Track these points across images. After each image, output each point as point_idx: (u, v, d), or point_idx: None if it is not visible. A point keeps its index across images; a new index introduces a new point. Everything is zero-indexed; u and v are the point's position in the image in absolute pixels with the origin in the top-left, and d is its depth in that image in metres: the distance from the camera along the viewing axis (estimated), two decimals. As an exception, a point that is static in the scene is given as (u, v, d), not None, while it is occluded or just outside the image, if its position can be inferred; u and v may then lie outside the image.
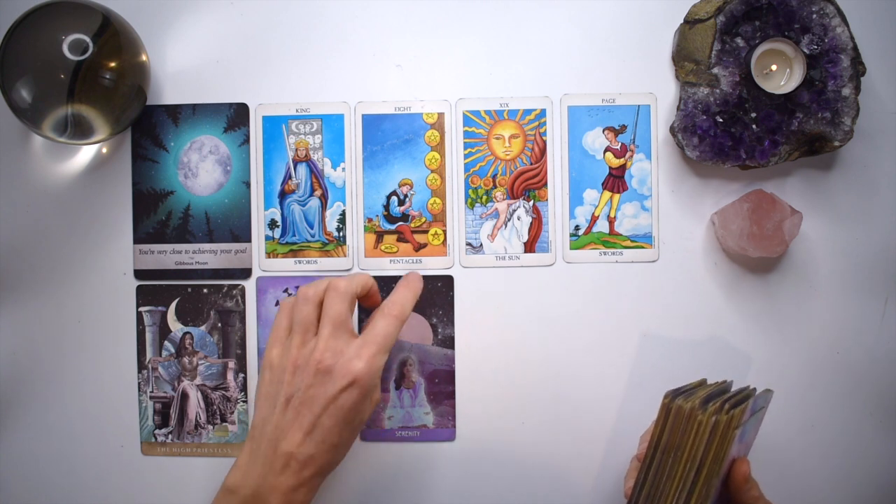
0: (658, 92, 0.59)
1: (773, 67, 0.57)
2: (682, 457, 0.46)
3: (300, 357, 0.50)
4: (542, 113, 0.59)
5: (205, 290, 0.60)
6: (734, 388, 0.53)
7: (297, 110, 0.59)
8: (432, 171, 0.59)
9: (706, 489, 0.46)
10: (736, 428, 0.45)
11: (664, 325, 0.59)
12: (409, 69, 0.59)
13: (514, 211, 0.59)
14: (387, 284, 0.59)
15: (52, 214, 0.60)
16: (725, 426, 0.45)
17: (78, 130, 0.53)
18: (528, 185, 0.59)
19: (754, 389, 0.52)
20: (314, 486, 0.50)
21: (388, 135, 0.59)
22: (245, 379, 0.60)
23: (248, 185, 0.60)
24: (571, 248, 0.59)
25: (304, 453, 0.48)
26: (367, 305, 0.56)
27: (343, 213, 0.60)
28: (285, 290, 0.59)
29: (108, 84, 0.53)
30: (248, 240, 0.60)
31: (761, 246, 0.55)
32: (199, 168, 0.60)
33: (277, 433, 0.49)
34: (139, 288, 0.60)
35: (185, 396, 0.60)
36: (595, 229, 0.59)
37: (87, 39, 0.51)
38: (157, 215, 0.60)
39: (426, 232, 0.59)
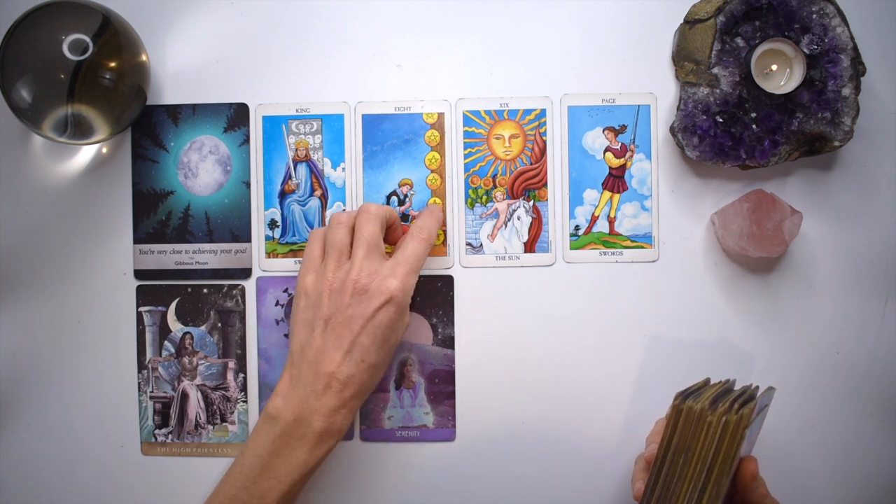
0: (658, 92, 0.59)
1: (773, 67, 0.57)
2: (692, 458, 0.47)
3: (335, 280, 0.51)
4: (542, 113, 0.59)
5: (205, 290, 0.60)
6: (737, 387, 0.53)
7: (297, 110, 0.59)
8: (432, 171, 0.59)
9: (717, 489, 0.46)
10: (746, 427, 0.45)
11: (664, 325, 0.59)
12: (409, 69, 0.59)
13: (514, 211, 0.59)
14: (387, 284, 0.59)
15: (52, 214, 0.60)
16: (735, 426, 0.45)
17: (78, 130, 0.53)
18: (528, 185, 0.59)
19: (757, 388, 0.52)
20: (354, 409, 0.51)
21: (388, 135, 0.59)
22: (245, 379, 0.60)
23: (248, 185, 0.60)
24: (571, 248, 0.59)
25: (345, 373, 0.50)
26: (389, 240, 0.56)
27: (343, 213, 0.60)
28: (285, 290, 0.59)
29: (108, 84, 0.53)
30: (248, 240, 0.60)
31: (761, 246, 0.55)
32: (199, 168, 0.60)
33: (317, 355, 0.50)
34: (139, 288, 0.60)
35: (185, 396, 0.60)
36: (595, 229, 0.59)
37: (87, 39, 0.51)
38: (157, 215, 0.60)
39: (426, 232, 0.59)
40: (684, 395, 0.49)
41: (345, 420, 0.51)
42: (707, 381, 0.53)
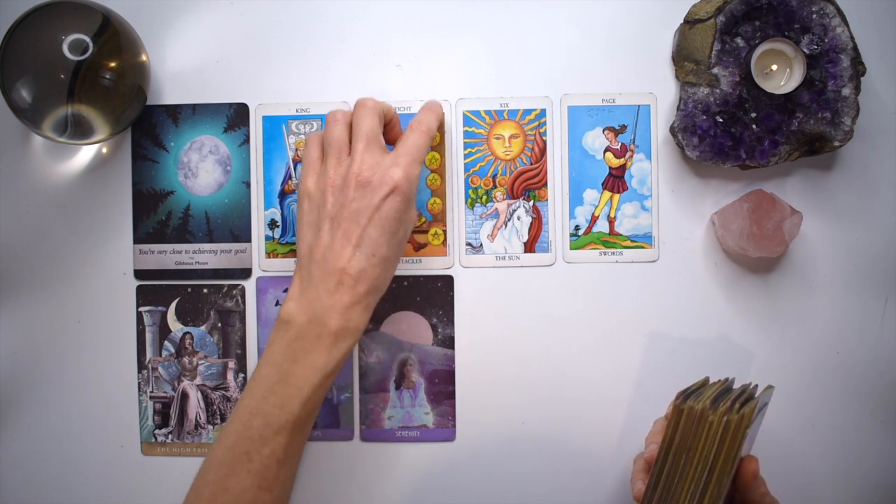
0: (658, 92, 0.59)
1: (773, 67, 0.57)
2: (693, 458, 0.46)
3: (337, 177, 0.50)
4: (542, 113, 0.59)
5: (205, 290, 0.60)
6: (736, 386, 0.53)
7: (297, 110, 0.59)
8: (432, 171, 0.59)
9: (718, 489, 0.46)
10: (747, 427, 0.45)
11: (664, 325, 0.59)
12: (409, 69, 0.59)
13: (514, 211, 0.59)
14: (387, 284, 0.59)
15: (52, 214, 0.60)
16: (737, 425, 0.45)
17: (78, 130, 0.53)
18: (528, 185, 0.59)
19: (756, 386, 0.52)
20: (368, 305, 0.50)
21: (388, 135, 0.59)
22: (245, 379, 0.60)
23: (248, 185, 0.60)
24: (571, 248, 0.59)
25: (356, 267, 0.49)
26: (388, 139, 0.56)
27: (343, 213, 0.59)
28: (285, 290, 0.59)
29: (108, 84, 0.53)
30: (248, 240, 0.60)
31: (761, 246, 0.55)
32: (199, 168, 0.60)
33: (325, 253, 0.49)
34: (139, 288, 0.60)
35: (185, 396, 0.60)
36: (595, 229, 0.59)
37: (87, 39, 0.51)
38: (157, 215, 0.60)
39: (426, 232, 0.59)
40: (685, 395, 0.49)
41: (360, 317, 0.49)
42: (706, 381, 0.53)
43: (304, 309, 0.49)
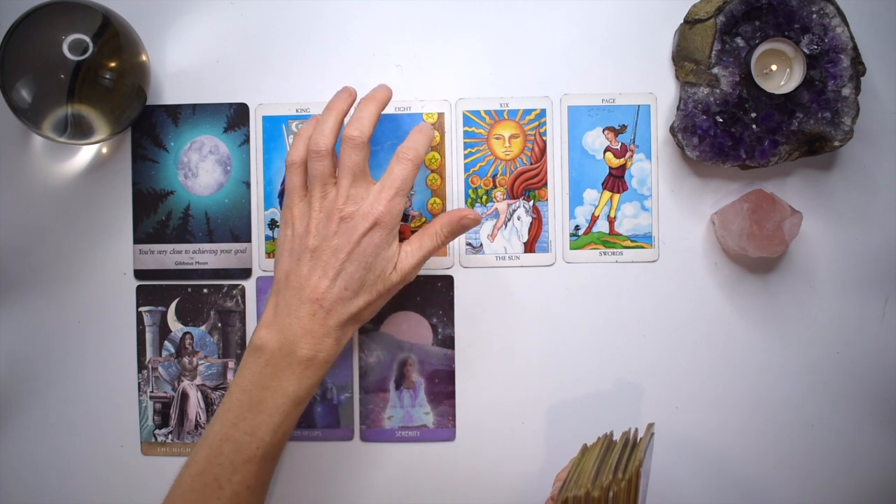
0: (658, 92, 0.59)
1: (773, 67, 0.57)
2: None
3: (322, 209, 0.51)
4: (542, 113, 0.59)
5: (205, 290, 0.60)
6: (617, 437, 0.53)
7: (297, 110, 0.59)
8: (432, 171, 0.59)
9: None
10: (637, 487, 0.45)
11: (664, 325, 0.59)
12: (409, 69, 0.59)
13: (514, 211, 0.59)
14: (387, 284, 0.59)
15: (52, 214, 0.60)
16: (626, 492, 0.45)
17: (78, 130, 0.53)
18: (528, 185, 0.59)
19: (637, 430, 0.52)
20: (340, 339, 0.51)
21: (388, 135, 0.59)
22: (245, 379, 0.60)
23: (248, 185, 0.60)
24: (571, 248, 0.59)
25: (330, 299, 0.50)
26: None
27: (343, 213, 0.59)
28: (285, 290, 0.59)
29: (108, 84, 0.53)
30: (248, 240, 0.60)
31: (761, 246, 0.55)
32: (199, 168, 0.60)
33: (302, 282, 0.50)
34: (139, 288, 0.60)
35: (185, 396, 0.60)
36: (595, 229, 0.59)
37: (87, 39, 0.51)
38: (157, 215, 0.60)
39: (426, 232, 0.59)
40: (564, 484, 0.48)
41: (330, 349, 0.50)
42: (584, 448, 0.53)
43: (276, 335, 0.50)
